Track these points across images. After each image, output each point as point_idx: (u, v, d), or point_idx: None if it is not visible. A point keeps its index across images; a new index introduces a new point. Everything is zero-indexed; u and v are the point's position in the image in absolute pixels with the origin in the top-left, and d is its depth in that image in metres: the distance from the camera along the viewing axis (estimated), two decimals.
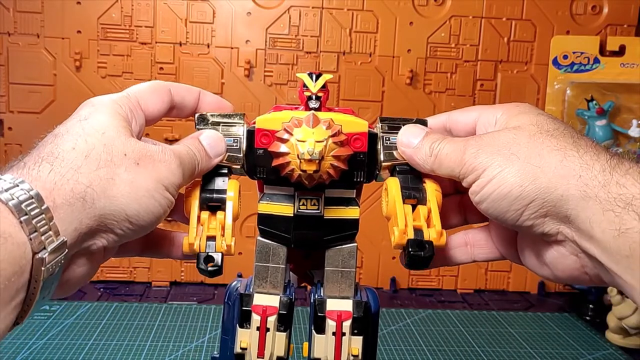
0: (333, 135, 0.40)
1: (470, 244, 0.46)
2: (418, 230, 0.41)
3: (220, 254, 0.41)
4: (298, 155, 0.39)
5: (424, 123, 0.45)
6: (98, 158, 0.37)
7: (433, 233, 0.41)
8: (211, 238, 0.42)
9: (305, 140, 0.39)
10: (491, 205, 0.39)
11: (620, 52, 1.06)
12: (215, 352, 0.45)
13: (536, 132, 0.39)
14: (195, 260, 0.41)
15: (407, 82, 1.06)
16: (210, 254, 0.41)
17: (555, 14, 1.06)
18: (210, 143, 0.43)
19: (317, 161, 0.39)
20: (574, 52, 1.06)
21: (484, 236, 0.46)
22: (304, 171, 0.39)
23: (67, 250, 0.34)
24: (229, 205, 0.42)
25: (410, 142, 0.43)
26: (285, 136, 0.40)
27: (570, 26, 1.07)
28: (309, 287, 0.49)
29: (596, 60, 1.06)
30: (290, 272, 0.48)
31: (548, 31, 1.06)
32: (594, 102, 1.04)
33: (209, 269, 0.41)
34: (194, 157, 0.42)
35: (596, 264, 0.37)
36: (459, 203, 0.48)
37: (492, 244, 0.46)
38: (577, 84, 1.05)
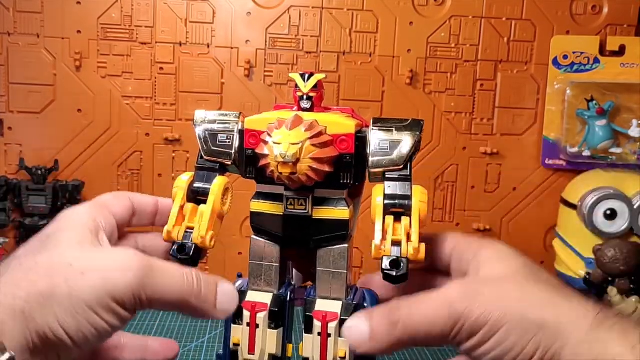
0: (313, 137, 0.40)
1: None
2: (397, 244, 0.41)
3: (193, 245, 0.42)
4: (275, 158, 0.40)
5: (418, 124, 0.44)
6: (39, 272, 0.35)
7: (410, 249, 0.40)
8: (191, 229, 0.43)
9: (280, 142, 0.39)
10: None
11: (620, 52, 1.06)
12: (220, 350, 0.45)
13: (524, 282, 0.38)
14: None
15: (407, 82, 1.06)
16: (184, 242, 0.42)
17: (555, 14, 1.06)
18: (223, 294, 0.40)
19: (291, 163, 0.39)
20: (574, 52, 1.06)
21: None
22: (281, 173, 0.40)
23: None
24: (210, 200, 0.43)
25: (362, 333, 0.37)
26: (267, 138, 0.41)
27: (570, 26, 1.07)
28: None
29: (596, 60, 1.06)
30: (294, 271, 0.48)
31: (548, 31, 1.06)
32: (594, 102, 1.04)
33: (179, 257, 0.42)
34: (190, 286, 0.38)
35: None
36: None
37: None
38: (577, 84, 1.05)
